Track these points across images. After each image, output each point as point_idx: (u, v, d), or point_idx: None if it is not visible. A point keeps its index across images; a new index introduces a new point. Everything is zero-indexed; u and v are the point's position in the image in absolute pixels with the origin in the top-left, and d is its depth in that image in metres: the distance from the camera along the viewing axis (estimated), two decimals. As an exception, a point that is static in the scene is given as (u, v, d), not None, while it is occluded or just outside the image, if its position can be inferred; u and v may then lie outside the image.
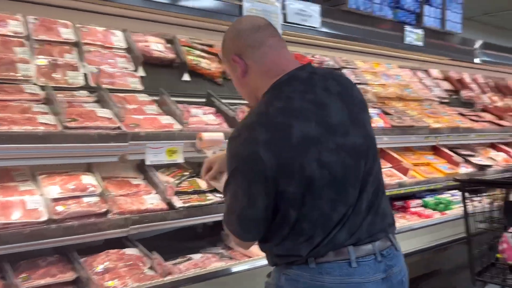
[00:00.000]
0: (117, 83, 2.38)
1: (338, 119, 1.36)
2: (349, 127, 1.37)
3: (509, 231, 2.66)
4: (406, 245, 2.14)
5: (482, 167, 3.83)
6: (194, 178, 2.40)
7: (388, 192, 2.75)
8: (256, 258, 2.20)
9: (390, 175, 3.19)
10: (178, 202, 2.16)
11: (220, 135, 2.18)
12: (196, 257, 2.26)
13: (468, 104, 4.53)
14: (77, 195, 1.95)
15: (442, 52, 4.11)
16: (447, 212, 3.26)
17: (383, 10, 2.50)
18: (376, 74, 3.91)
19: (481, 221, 2.76)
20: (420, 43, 2.77)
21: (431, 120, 3.45)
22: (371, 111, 3.15)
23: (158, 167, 2.34)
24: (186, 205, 2.18)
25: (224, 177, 1.57)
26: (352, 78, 3.64)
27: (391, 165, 3.31)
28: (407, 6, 2.57)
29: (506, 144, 4.34)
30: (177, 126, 2.21)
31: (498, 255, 2.68)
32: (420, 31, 3.43)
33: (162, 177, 2.30)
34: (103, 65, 2.40)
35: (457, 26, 3.93)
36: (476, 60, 4.52)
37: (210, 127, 2.30)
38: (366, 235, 1.37)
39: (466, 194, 2.78)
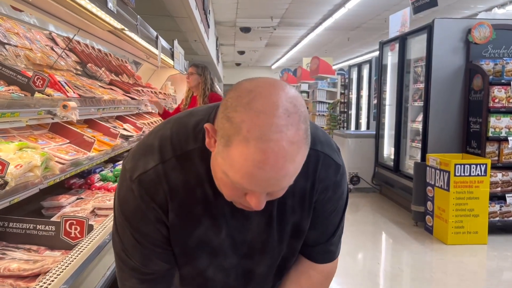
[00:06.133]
0: None
1: None
2: None
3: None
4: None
5: (126, 137, 4.01)
6: None
7: (73, 172, 2.51)
8: None
9: (74, 151, 2.87)
10: None
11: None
12: None
13: (93, 77, 4.55)
14: None
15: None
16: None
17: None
18: (19, 35, 3.30)
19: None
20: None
21: (98, 91, 3.32)
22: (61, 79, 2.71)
23: None
24: None
25: None
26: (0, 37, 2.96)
27: (69, 141, 2.96)
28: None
29: (132, 116, 4.70)
30: None
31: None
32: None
33: None
34: None
35: None
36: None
37: None
38: None
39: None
